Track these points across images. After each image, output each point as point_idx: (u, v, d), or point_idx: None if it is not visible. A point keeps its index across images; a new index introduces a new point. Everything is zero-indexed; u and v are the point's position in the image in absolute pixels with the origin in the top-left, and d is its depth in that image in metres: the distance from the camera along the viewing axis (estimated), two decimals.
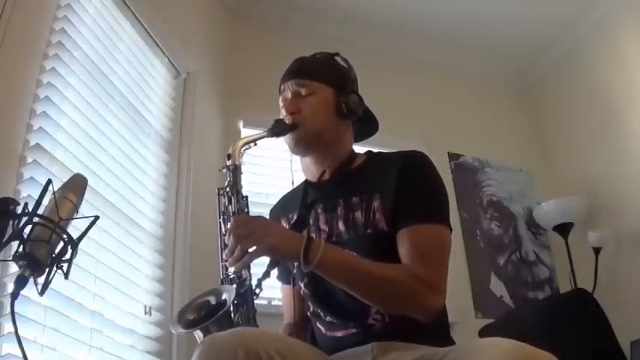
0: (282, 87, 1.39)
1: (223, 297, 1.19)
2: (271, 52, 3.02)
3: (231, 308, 1.20)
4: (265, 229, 1.12)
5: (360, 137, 1.44)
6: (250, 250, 1.11)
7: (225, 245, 1.16)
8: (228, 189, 1.32)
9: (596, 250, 2.89)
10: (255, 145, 1.36)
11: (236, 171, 1.32)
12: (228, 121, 2.74)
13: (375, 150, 1.44)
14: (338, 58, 1.41)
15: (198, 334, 1.16)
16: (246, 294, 1.23)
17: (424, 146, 2.96)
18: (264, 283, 1.23)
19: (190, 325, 1.18)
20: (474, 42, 3.44)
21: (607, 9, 3.15)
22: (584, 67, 3.32)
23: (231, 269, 1.20)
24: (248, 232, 1.11)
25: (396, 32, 3.34)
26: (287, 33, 3.16)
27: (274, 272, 1.46)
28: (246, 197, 1.32)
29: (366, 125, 1.42)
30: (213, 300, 1.20)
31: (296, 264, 1.30)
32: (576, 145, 3.34)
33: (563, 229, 3.01)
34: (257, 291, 1.23)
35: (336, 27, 3.22)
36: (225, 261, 1.20)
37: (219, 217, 1.32)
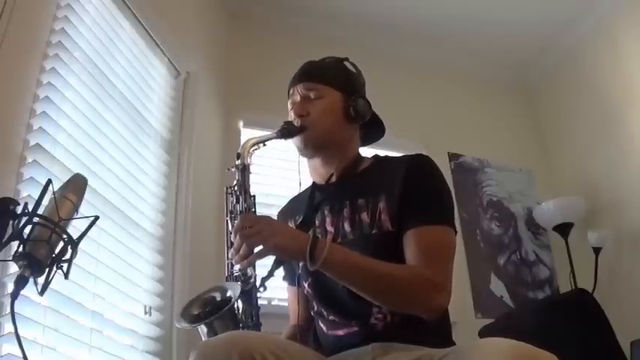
0: (291, 90, 1.40)
1: (228, 294, 1.20)
2: (271, 53, 3.03)
3: (236, 305, 1.22)
4: (272, 228, 1.14)
5: (366, 142, 1.46)
6: (256, 249, 1.12)
7: (232, 243, 1.17)
8: (236, 187, 1.34)
9: (596, 250, 2.89)
10: (265, 145, 1.38)
11: (245, 170, 1.34)
12: (228, 121, 2.74)
13: (377, 151, 1.46)
14: (347, 63, 1.43)
15: (202, 329, 1.18)
16: (250, 292, 1.24)
17: (424, 146, 2.96)
18: (267, 283, 1.25)
19: (195, 320, 1.20)
20: (474, 42, 3.44)
21: (607, 9, 3.15)
22: (584, 67, 3.32)
23: (237, 267, 1.22)
24: (255, 231, 1.12)
25: (396, 32, 3.34)
26: (287, 33, 3.16)
27: (279, 272, 1.47)
28: (254, 196, 1.34)
29: (373, 130, 1.44)
30: (218, 296, 1.22)
31: (301, 264, 1.32)
32: (576, 145, 3.34)
33: (563, 229, 3.01)
34: (261, 289, 1.24)
35: (335, 27, 3.22)
36: (231, 259, 1.21)
37: (227, 216, 1.34)
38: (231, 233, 1.25)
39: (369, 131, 1.44)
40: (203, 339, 1.19)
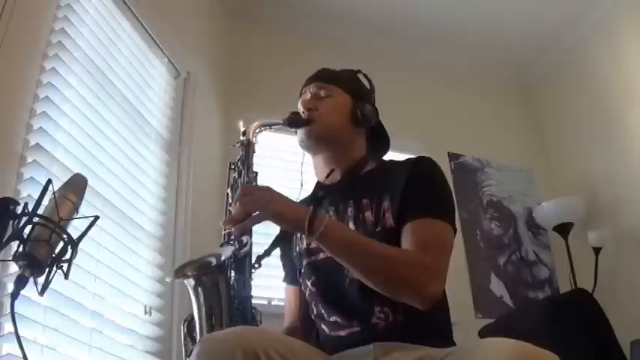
0: (303, 90, 1.45)
1: (222, 258, 1.19)
2: (271, 53, 3.03)
3: (227, 264, 1.20)
4: (272, 195, 1.15)
5: (371, 156, 1.46)
6: (254, 214, 1.13)
7: (231, 214, 1.18)
8: (239, 163, 1.35)
9: (596, 250, 2.89)
10: (270, 129, 1.41)
11: (249, 146, 1.36)
12: (228, 121, 2.74)
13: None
14: (360, 75, 1.47)
15: (189, 282, 1.17)
16: (244, 259, 1.22)
17: (424, 146, 2.96)
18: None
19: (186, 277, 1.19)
20: (474, 42, 3.44)
21: (607, 9, 3.15)
22: (584, 66, 3.33)
23: (234, 231, 1.19)
24: (255, 197, 1.14)
25: (396, 32, 3.34)
26: (287, 33, 3.16)
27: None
28: (256, 173, 1.35)
29: (379, 143, 1.47)
30: (213, 261, 1.20)
31: (304, 262, 1.33)
32: (576, 145, 3.34)
33: (563, 229, 3.01)
34: (256, 265, 1.23)
35: (335, 27, 3.22)
36: (228, 228, 1.20)
37: (228, 188, 1.34)
38: (231, 205, 1.25)
39: (374, 145, 1.46)
40: (191, 294, 1.17)
